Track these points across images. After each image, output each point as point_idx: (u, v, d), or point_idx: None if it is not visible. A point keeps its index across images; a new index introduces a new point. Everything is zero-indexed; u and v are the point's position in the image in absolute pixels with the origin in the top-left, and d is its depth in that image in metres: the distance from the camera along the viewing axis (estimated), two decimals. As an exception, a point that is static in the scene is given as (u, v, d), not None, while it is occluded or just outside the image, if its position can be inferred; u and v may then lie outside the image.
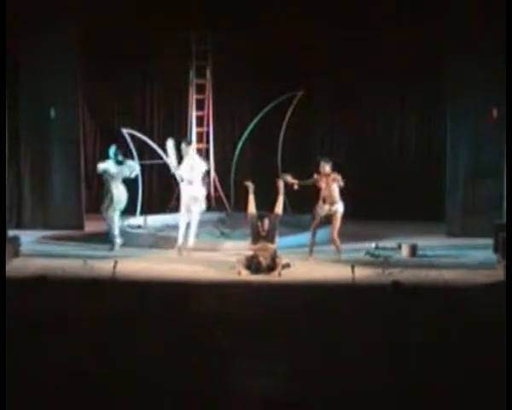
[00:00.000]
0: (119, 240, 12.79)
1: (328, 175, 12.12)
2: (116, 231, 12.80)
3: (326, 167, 12.17)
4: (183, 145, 12.79)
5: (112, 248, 12.70)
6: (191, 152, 12.80)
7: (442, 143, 14.30)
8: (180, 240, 12.54)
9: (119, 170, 12.89)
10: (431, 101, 15.60)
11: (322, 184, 12.13)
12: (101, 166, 12.93)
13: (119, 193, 12.84)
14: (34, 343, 6.27)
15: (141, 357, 6.05)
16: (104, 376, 5.79)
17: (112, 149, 13.02)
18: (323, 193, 12.15)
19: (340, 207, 12.13)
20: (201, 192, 12.77)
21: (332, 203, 12.09)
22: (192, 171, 12.64)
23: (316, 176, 12.17)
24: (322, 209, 12.15)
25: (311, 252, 12.15)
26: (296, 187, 12.29)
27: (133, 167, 13.17)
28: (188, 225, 12.58)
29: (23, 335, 6.41)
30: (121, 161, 12.91)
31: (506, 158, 12.32)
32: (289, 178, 12.33)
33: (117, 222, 12.85)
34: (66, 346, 6.23)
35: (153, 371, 5.82)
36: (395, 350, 6.11)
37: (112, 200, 12.78)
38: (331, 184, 12.08)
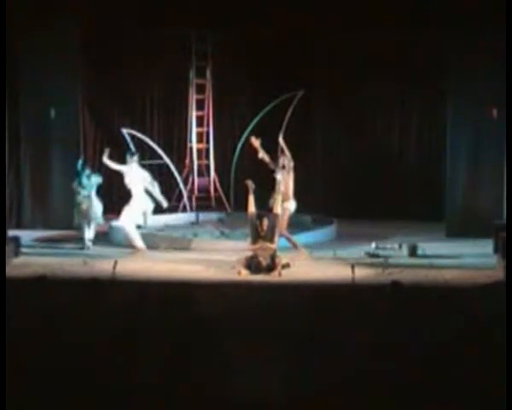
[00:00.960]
0: (89, 243, 12.76)
1: (283, 168, 12.04)
2: (86, 236, 12.75)
3: (284, 160, 12.08)
4: (127, 157, 12.71)
5: (82, 248, 12.69)
6: (134, 164, 12.63)
7: (442, 143, 14.31)
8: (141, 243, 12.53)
9: (88, 184, 12.85)
10: (431, 101, 15.59)
11: (278, 176, 12.01)
12: (76, 184, 12.90)
13: (91, 206, 12.77)
14: (34, 343, 6.28)
15: (140, 357, 6.06)
16: (103, 376, 5.80)
17: (79, 164, 12.99)
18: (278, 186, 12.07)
19: (290, 206, 12.06)
20: (141, 206, 12.54)
21: (284, 199, 11.97)
22: (134, 183, 12.53)
23: (277, 165, 12.07)
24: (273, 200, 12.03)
25: (299, 249, 12.12)
26: (260, 156, 12.16)
27: (98, 182, 13.02)
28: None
29: (23, 335, 6.42)
30: (89, 176, 12.87)
31: (506, 158, 12.35)
32: (257, 143, 12.19)
33: (85, 229, 12.79)
34: (65, 346, 6.23)
35: (152, 371, 5.83)
36: (395, 350, 6.12)
37: (80, 212, 12.77)
38: (287, 179, 12.02)
